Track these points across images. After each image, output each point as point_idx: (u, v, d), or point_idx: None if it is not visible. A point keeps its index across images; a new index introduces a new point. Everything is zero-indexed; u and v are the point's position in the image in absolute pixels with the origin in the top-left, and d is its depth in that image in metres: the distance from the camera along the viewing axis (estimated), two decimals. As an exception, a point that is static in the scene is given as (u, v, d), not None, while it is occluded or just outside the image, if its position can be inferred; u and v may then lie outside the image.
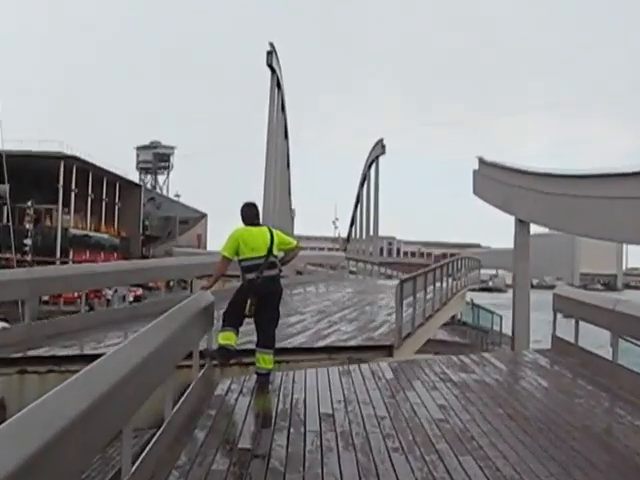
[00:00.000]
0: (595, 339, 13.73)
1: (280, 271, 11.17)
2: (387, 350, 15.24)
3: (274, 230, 11.24)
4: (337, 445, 8.09)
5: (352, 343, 15.80)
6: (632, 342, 11.97)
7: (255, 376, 11.10)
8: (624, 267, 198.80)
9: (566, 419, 9.90)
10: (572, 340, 14.27)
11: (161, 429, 7.54)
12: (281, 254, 11.20)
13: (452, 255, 37.52)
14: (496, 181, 24.02)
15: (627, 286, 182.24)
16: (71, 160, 71.00)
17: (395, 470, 7.29)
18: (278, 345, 11.82)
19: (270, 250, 10.76)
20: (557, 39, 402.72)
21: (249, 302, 10.65)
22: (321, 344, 15.53)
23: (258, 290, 10.68)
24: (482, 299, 53.50)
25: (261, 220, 11.51)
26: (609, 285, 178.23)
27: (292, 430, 8.68)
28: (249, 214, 11.07)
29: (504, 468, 7.47)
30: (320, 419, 9.25)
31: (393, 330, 16.03)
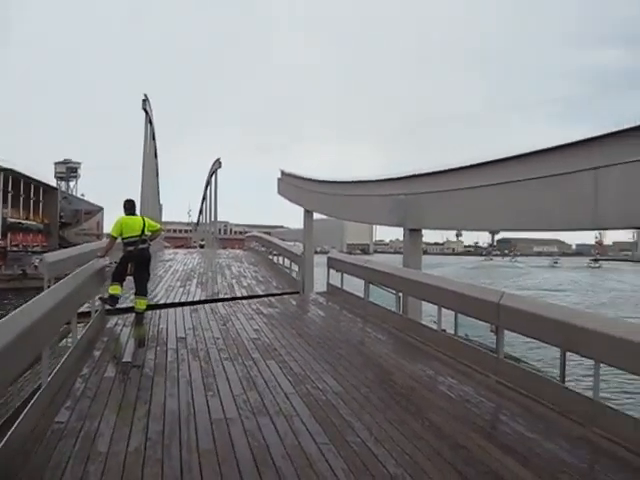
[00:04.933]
0: (355, 285, 14.04)
1: (149, 245, 11.18)
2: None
3: (145, 218, 11.33)
4: (188, 357, 8.15)
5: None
6: (376, 285, 12.37)
7: (134, 314, 11.05)
8: (374, 239, 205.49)
9: (335, 336, 10.23)
10: (339, 285, 14.69)
11: (69, 350, 7.41)
12: (150, 233, 11.09)
13: (266, 233, 37.36)
14: (291, 185, 24.35)
15: (376, 251, 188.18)
16: (8, 172, 67.52)
17: (225, 371, 7.44)
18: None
19: (143, 231, 10.90)
20: (329, 89, 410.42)
21: (129, 265, 10.94)
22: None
23: (135, 257, 10.90)
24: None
25: (138, 211, 11.68)
26: (364, 251, 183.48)
27: (158, 348, 8.68)
28: (129, 207, 11.09)
29: (295, 367, 7.74)
30: (177, 340, 9.29)
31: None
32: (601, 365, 5.77)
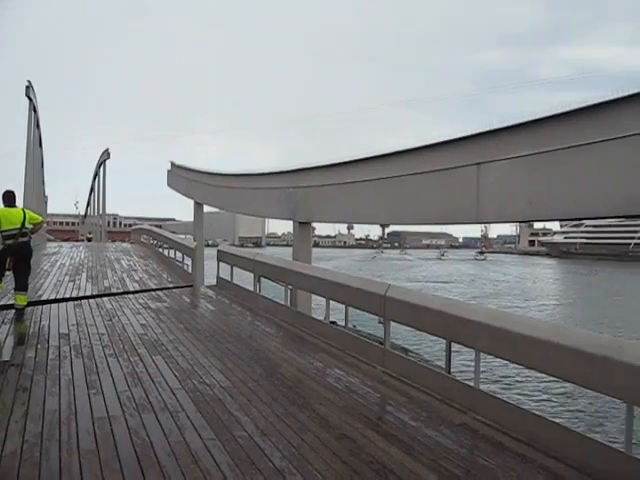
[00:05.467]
0: (248, 278, 13.99)
1: (30, 238, 10.73)
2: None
3: (26, 210, 10.84)
4: (70, 354, 7.86)
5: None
6: (268, 279, 12.39)
7: (14, 310, 10.62)
8: (266, 232, 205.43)
9: (224, 329, 10.17)
10: (229, 279, 14.63)
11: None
12: (31, 226, 10.60)
13: (157, 226, 36.57)
14: (181, 177, 24.13)
15: (268, 244, 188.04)
16: None
17: (110, 368, 7.24)
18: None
19: (23, 224, 10.43)
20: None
21: (8, 260, 10.29)
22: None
23: (15, 251, 10.33)
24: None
25: (20, 203, 11.10)
26: (257, 244, 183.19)
27: (39, 346, 8.32)
28: (8, 198, 10.59)
29: (182, 362, 7.63)
30: (59, 337, 8.95)
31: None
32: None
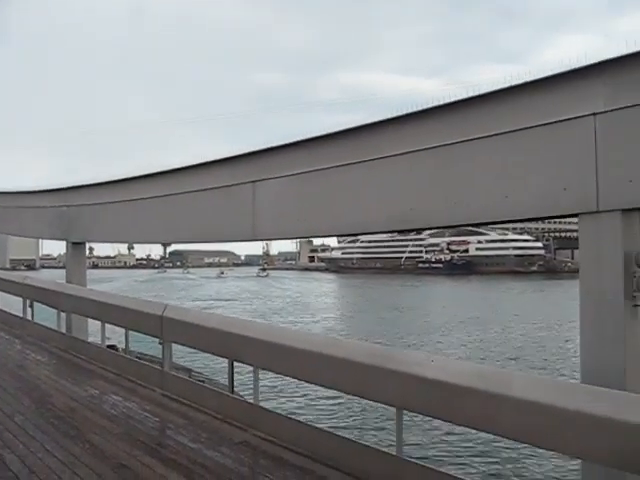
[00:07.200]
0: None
1: None
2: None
3: None
4: None
5: None
6: (41, 303, 11.59)
7: None
8: (41, 253, 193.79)
9: (-12, 361, 9.30)
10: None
11: None
12: None
13: None
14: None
15: (42, 267, 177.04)
16: None
17: None
18: None
19: None
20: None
21: None
22: None
23: None
24: None
25: None
26: (31, 266, 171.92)
27: None
28: None
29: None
30: None
31: None
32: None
